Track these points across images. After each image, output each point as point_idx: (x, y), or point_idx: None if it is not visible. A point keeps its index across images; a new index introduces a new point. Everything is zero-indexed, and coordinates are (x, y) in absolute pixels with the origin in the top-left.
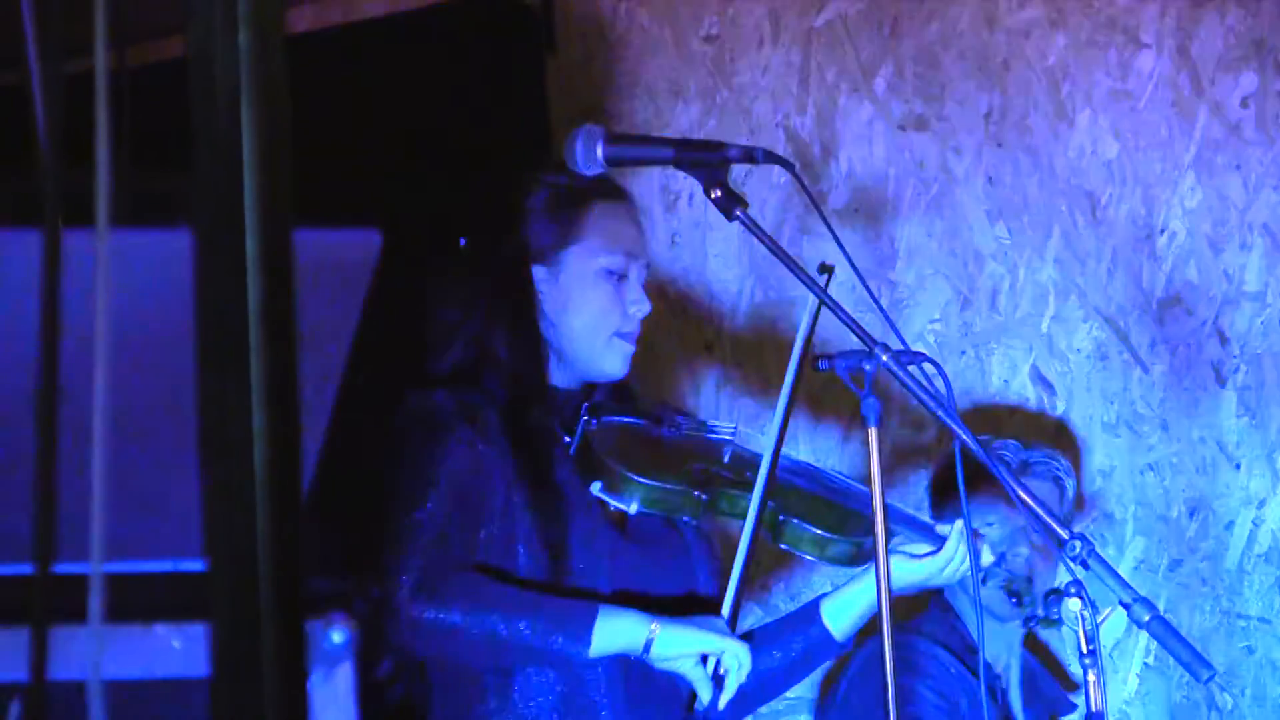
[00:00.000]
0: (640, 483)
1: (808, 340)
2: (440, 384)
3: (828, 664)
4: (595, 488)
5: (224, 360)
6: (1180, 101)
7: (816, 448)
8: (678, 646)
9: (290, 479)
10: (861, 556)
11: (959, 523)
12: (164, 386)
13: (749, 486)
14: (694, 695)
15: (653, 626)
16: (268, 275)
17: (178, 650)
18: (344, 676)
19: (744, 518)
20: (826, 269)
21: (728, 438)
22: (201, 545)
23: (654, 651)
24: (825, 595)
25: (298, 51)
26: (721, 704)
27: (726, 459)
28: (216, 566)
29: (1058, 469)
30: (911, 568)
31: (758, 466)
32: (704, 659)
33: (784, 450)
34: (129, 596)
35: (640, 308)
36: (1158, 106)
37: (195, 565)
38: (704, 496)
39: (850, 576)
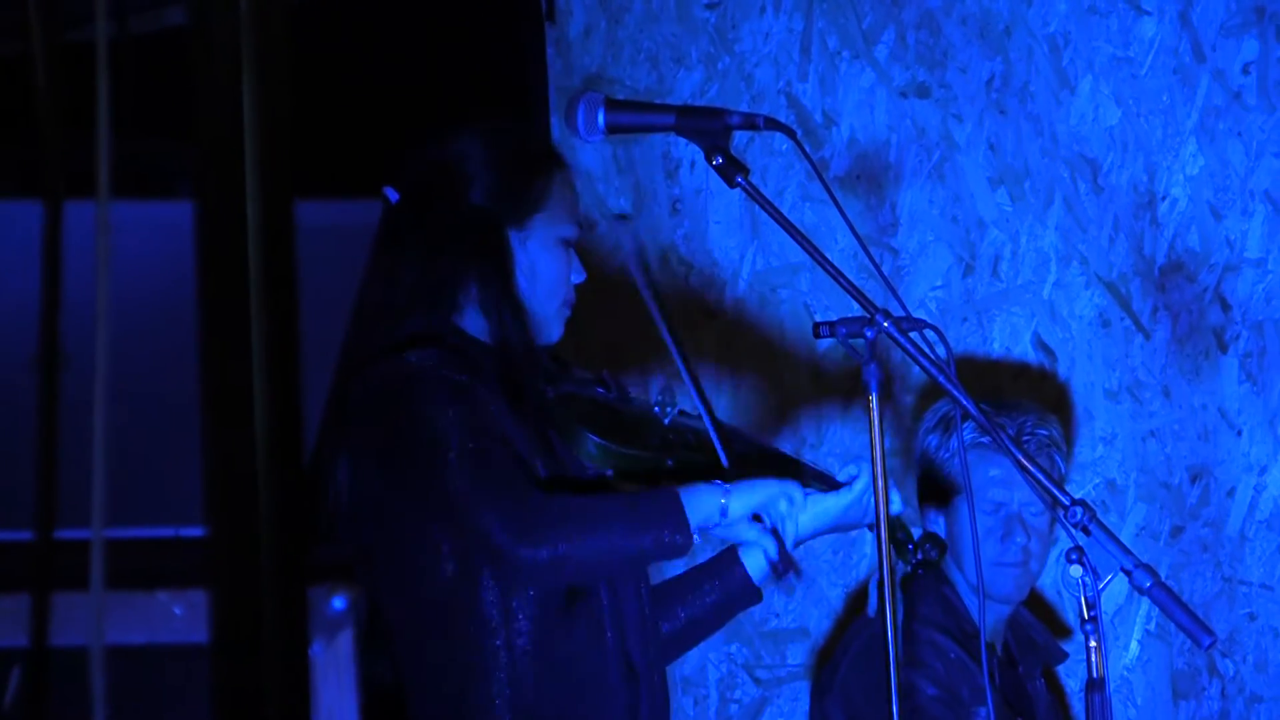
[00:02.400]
0: (620, 452)
1: (654, 290)
2: (418, 346)
3: (817, 638)
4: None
5: (225, 328)
6: (1182, 68)
7: (820, 417)
8: (747, 502)
9: (291, 446)
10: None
11: (866, 468)
12: (165, 355)
13: (695, 450)
14: (775, 560)
15: (728, 494)
16: (268, 244)
17: (179, 617)
18: (345, 642)
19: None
20: (623, 217)
21: (660, 403)
22: (203, 512)
23: (730, 513)
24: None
25: (297, 21)
26: (790, 545)
27: (667, 422)
28: (217, 533)
29: (1045, 437)
30: (828, 500)
31: (698, 431)
32: (753, 519)
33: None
34: (131, 563)
35: (578, 275)
36: (1159, 73)
37: (196, 532)
38: (671, 463)
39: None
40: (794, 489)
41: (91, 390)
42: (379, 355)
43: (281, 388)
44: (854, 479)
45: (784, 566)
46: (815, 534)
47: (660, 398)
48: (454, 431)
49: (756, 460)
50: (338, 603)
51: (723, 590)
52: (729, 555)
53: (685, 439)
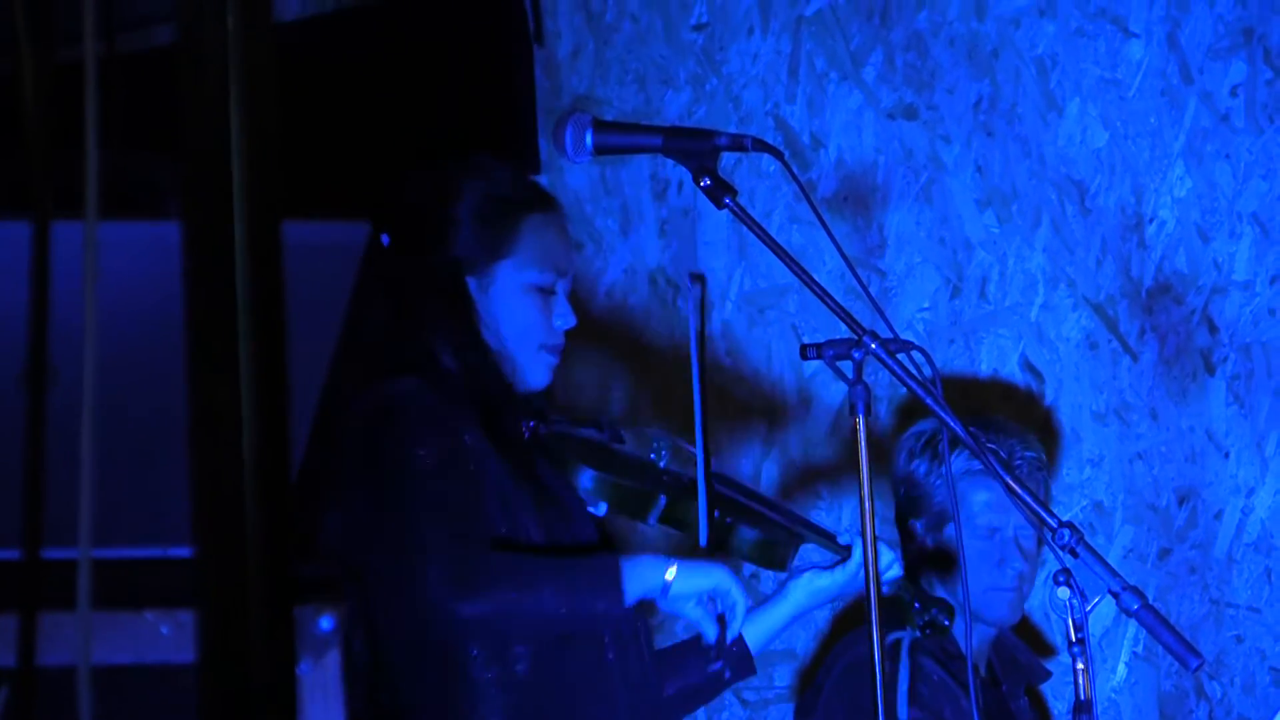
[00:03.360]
0: (616, 483)
1: (702, 353)
2: (401, 374)
3: (804, 660)
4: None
5: (212, 348)
6: (1169, 90)
7: (806, 439)
8: (690, 584)
9: (278, 466)
10: (790, 558)
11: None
12: (153, 374)
13: (689, 489)
14: (713, 644)
15: (670, 567)
16: (256, 264)
17: (166, 636)
18: (332, 662)
19: (683, 528)
20: (698, 277)
21: (656, 449)
22: (190, 532)
23: (672, 591)
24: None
25: (285, 41)
26: (730, 638)
27: (663, 465)
28: (205, 553)
29: (1034, 460)
30: (824, 579)
31: (690, 472)
32: (702, 602)
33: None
34: (118, 583)
35: (565, 320)
36: (1147, 95)
37: (184, 552)
38: (664, 499)
39: (777, 587)
40: (740, 593)
41: (79, 409)
42: (364, 385)
43: (269, 407)
44: (850, 547)
45: (718, 654)
46: (816, 608)
47: (655, 444)
48: (421, 472)
49: (757, 524)
50: (325, 623)
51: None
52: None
53: (679, 482)
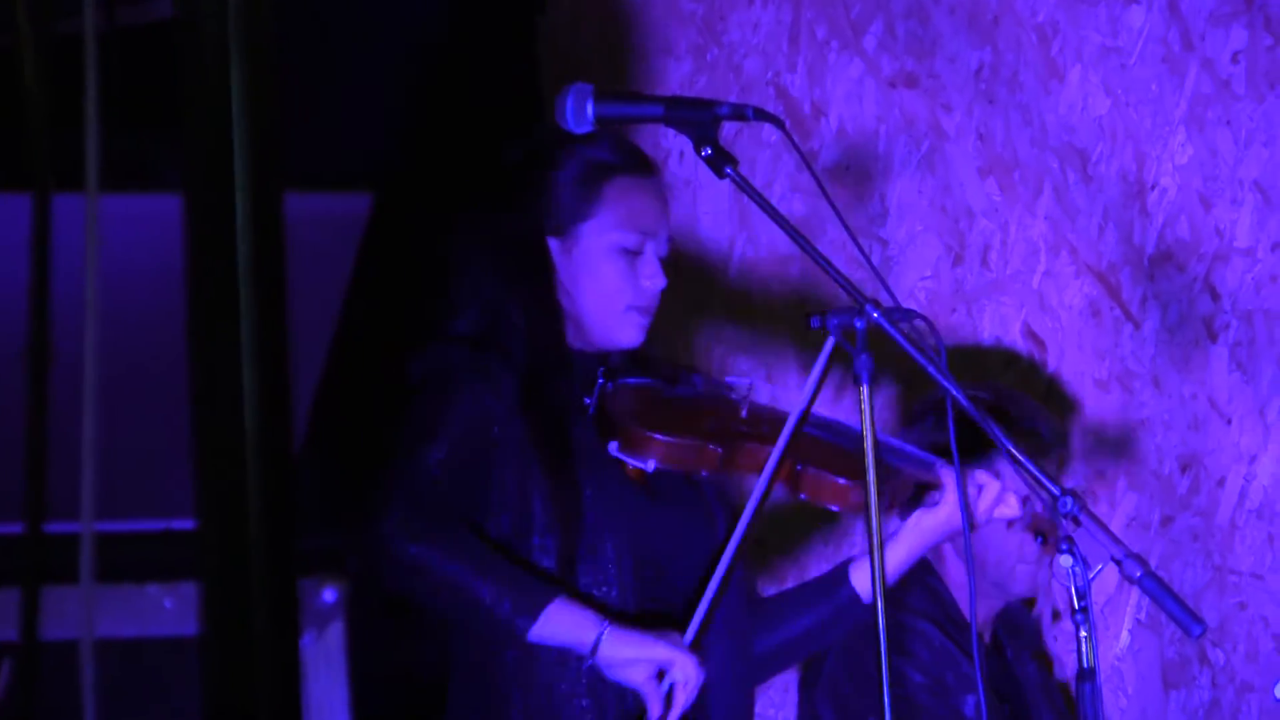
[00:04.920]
0: (654, 439)
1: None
2: (460, 342)
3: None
4: (613, 447)
5: (214, 321)
6: (1170, 58)
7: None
8: (624, 651)
9: (281, 438)
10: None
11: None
12: (155, 347)
13: (766, 440)
14: (641, 714)
15: (605, 629)
16: (258, 236)
17: (170, 609)
18: (336, 634)
19: (759, 472)
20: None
21: (744, 394)
22: (192, 504)
23: (600, 653)
24: (854, 559)
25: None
26: (675, 714)
27: (744, 414)
28: (207, 526)
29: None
30: (929, 518)
31: (775, 421)
32: (657, 674)
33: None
34: (121, 556)
35: (655, 282)
36: (1148, 63)
37: (187, 525)
38: (719, 449)
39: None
40: (692, 667)
41: (81, 383)
42: (422, 347)
43: (271, 378)
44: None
45: None
46: (932, 546)
47: (750, 388)
48: (434, 444)
49: (842, 456)
50: (328, 595)
51: (833, 607)
52: (838, 574)
53: (759, 430)
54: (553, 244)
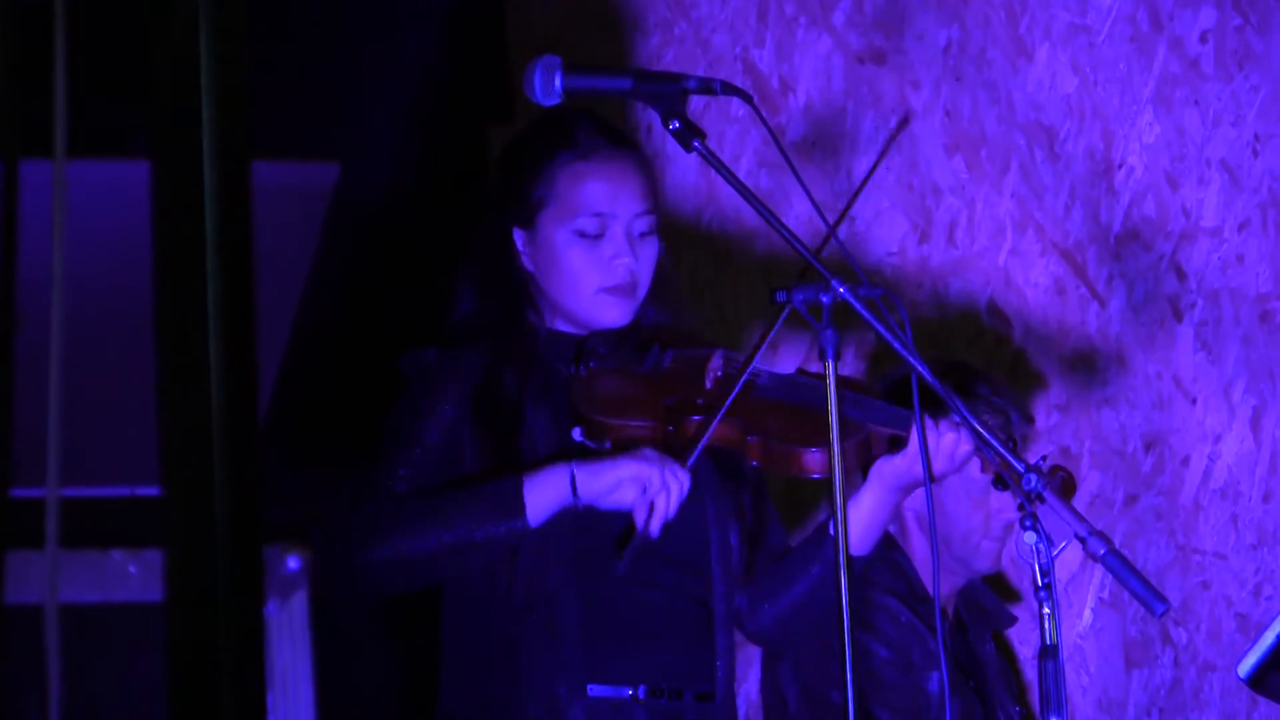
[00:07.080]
0: (609, 424)
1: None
2: (437, 341)
3: None
4: (576, 434)
5: (181, 289)
6: (1139, 37)
7: None
8: (599, 479)
9: (246, 405)
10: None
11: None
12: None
13: (714, 415)
14: (627, 528)
15: (572, 470)
16: (225, 205)
17: (134, 575)
18: (300, 603)
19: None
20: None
21: (715, 364)
22: (157, 471)
23: (580, 492)
24: (829, 516)
25: None
26: (654, 529)
27: (709, 386)
28: (172, 492)
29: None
30: (890, 464)
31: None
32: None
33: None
34: (85, 522)
35: (624, 261)
36: (1116, 41)
37: (152, 491)
38: (671, 429)
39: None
40: (668, 473)
41: (47, 349)
42: (407, 349)
43: (237, 347)
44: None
45: (623, 541)
46: (902, 491)
47: (721, 354)
48: (403, 457)
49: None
50: (292, 563)
51: (824, 565)
52: (819, 534)
53: (721, 400)
54: (520, 235)
